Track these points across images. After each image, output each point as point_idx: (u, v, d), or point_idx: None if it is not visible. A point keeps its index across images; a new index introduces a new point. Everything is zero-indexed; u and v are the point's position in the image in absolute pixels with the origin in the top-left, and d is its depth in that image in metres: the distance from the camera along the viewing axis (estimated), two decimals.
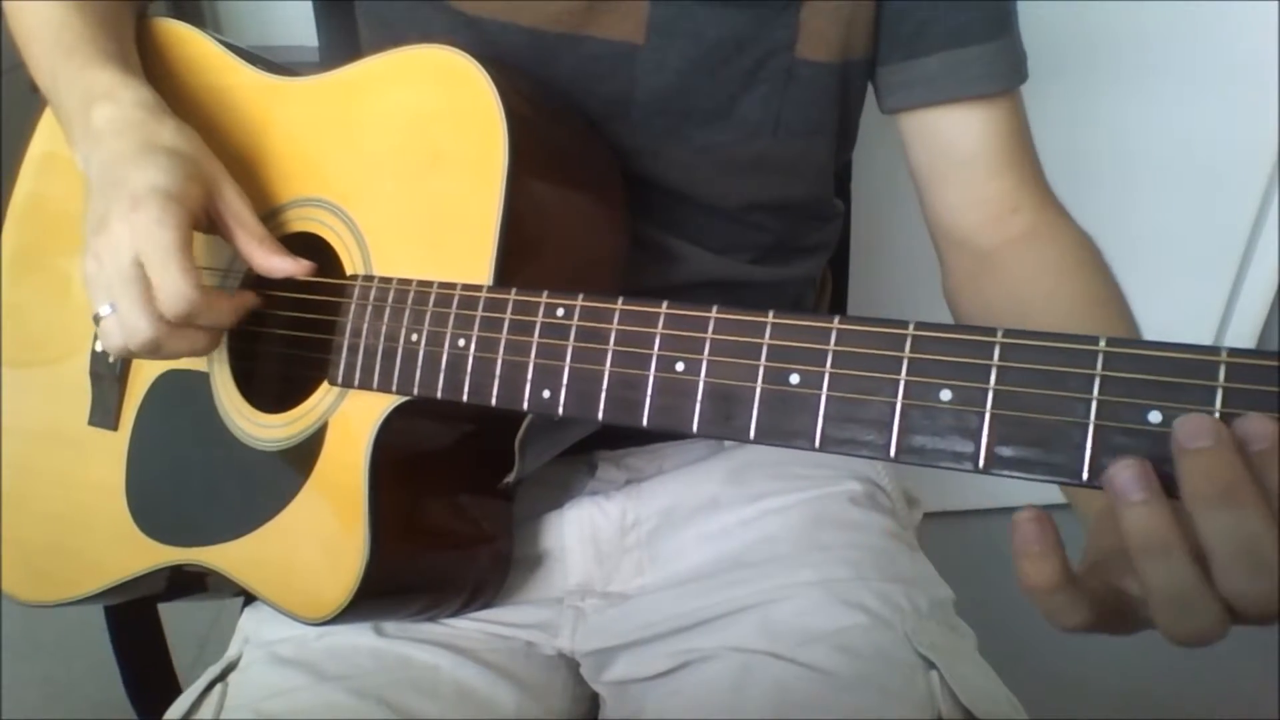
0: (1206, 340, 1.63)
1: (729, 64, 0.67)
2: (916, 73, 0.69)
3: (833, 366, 0.43)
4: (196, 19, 0.78)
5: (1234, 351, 0.36)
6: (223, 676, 0.70)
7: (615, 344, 0.49)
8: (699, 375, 0.46)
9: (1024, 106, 0.72)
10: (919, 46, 0.68)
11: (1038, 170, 0.73)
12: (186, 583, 0.73)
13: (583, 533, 0.74)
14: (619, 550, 0.74)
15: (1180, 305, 1.66)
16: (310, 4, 0.86)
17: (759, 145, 0.70)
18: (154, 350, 0.61)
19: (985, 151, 0.70)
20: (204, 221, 0.63)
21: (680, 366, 0.47)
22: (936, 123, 0.70)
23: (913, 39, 0.68)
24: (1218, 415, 0.35)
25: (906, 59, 0.68)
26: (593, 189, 0.66)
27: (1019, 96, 0.72)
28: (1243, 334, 1.70)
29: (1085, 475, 0.38)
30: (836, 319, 0.43)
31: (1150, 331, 0.38)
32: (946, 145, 0.71)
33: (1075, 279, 0.67)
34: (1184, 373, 0.36)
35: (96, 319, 0.61)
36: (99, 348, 0.73)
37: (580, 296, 0.51)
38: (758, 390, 0.45)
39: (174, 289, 0.58)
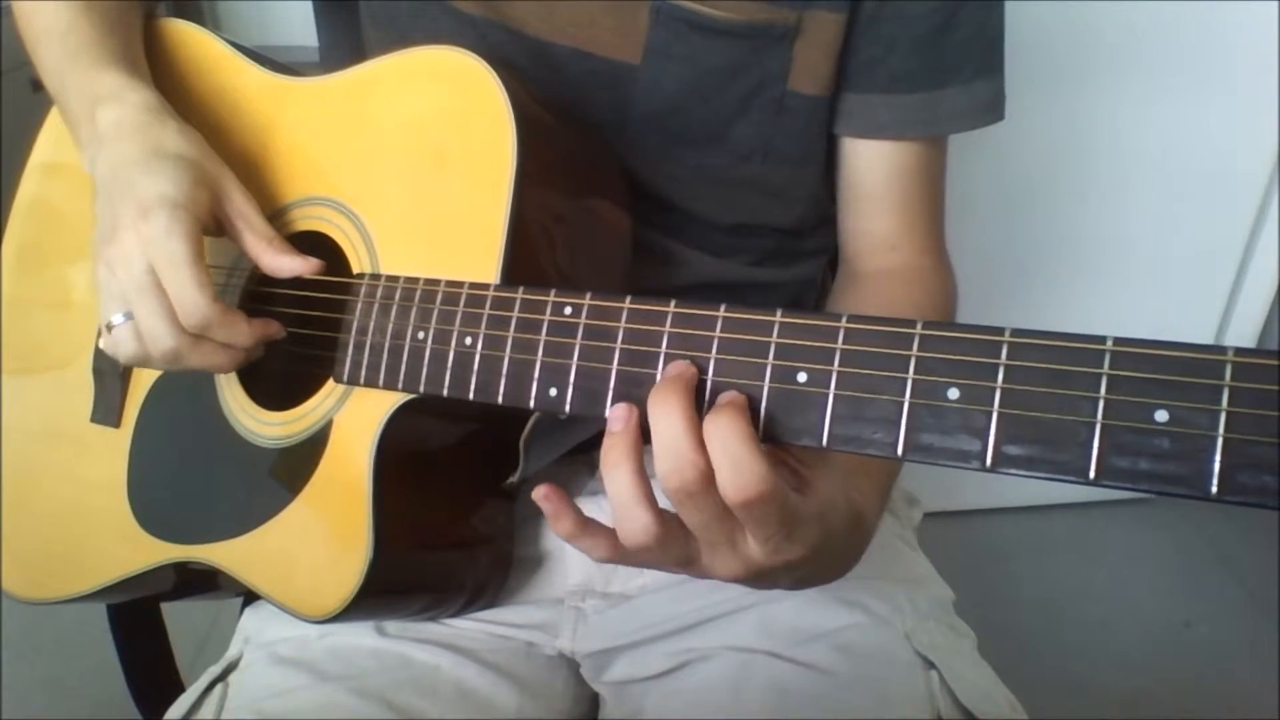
0: (1206, 341, 1.63)
1: (722, 91, 0.68)
2: (855, 105, 0.71)
3: (840, 365, 0.43)
4: (196, 19, 0.78)
5: (1240, 351, 0.36)
6: (223, 676, 0.70)
7: (623, 342, 0.49)
8: (707, 374, 0.46)
9: (944, 153, 0.76)
10: (863, 83, 0.70)
11: (931, 216, 0.76)
12: (188, 581, 0.73)
13: None
14: None
15: (1180, 305, 1.66)
16: (310, 4, 0.86)
17: (749, 170, 0.71)
18: (175, 359, 0.60)
19: (884, 191, 0.73)
20: (212, 225, 0.63)
21: None
22: (854, 151, 0.73)
23: (859, 74, 0.69)
24: (1223, 414, 0.36)
25: (850, 91, 0.70)
26: (598, 190, 0.66)
27: (942, 143, 0.75)
28: (1243, 334, 1.70)
29: (1092, 474, 0.37)
30: (844, 318, 0.43)
31: (1150, 332, 0.38)
32: (856, 175, 0.74)
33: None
34: (1190, 372, 0.36)
35: (109, 327, 0.61)
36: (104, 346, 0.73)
37: (588, 295, 0.51)
38: (765, 389, 0.45)
39: (190, 300, 0.58)
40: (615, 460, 0.46)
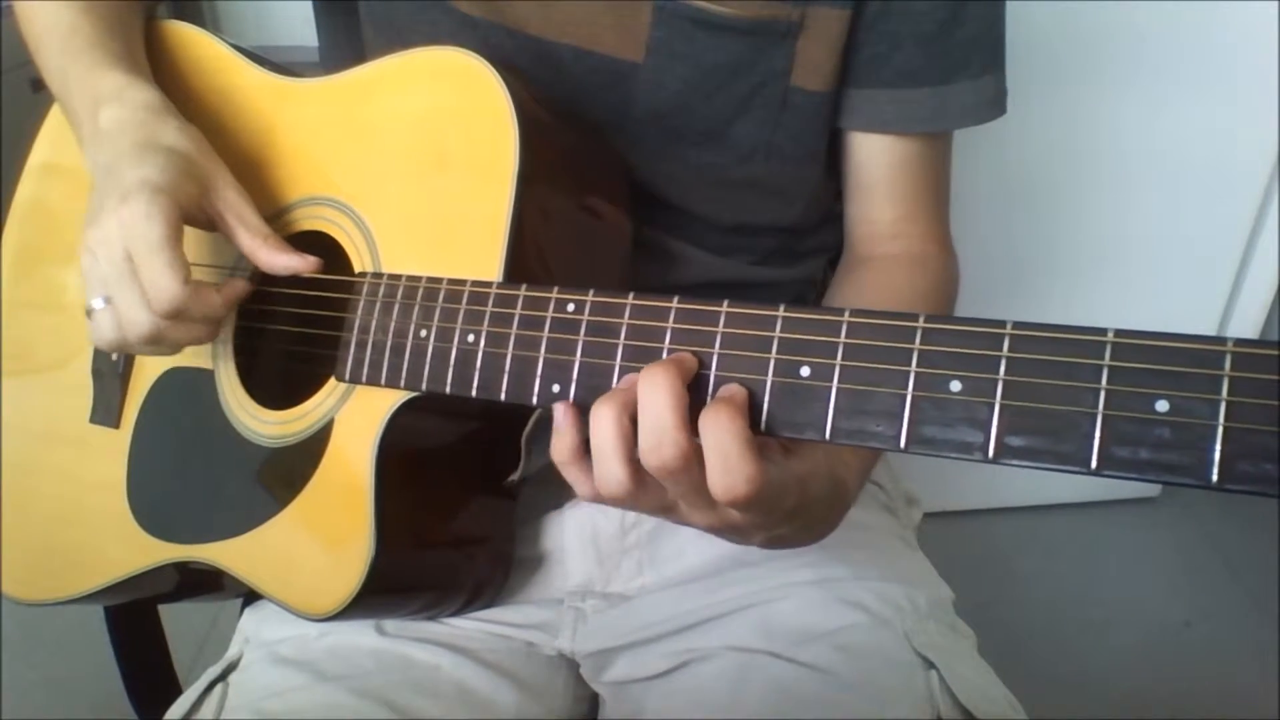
0: None
1: (725, 89, 0.68)
2: (860, 101, 0.71)
3: (843, 359, 0.43)
4: (196, 19, 0.78)
5: (1240, 342, 0.36)
6: (223, 676, 0.70)
7: (626, 338, 0.49)
8: (710, 369, 0.46)
9: (949, 142, 0.76)
10: (869, 78, 0.70)
11: (934, 205, 0.76)
12: (188, 581, 0.73)
13: (583, 533, 0.74)
14: (619, 550, 0.74)
15: (1180, 305, 1.66)
16: (310, 4, 0.86)
17: (752, 168, 0.71)
18: (154, 341, 0.60)
19: (886, 182, 0.74)
20: (202, 219, 0.63)
21: None
22: (856, 144, 0.74)
23: (864, 70, 0.70)
24: (1223, 404, 0.36)
25: (855, 86, 0.70)
26: (599, 189, 0.66)
27: (947, 137, 0.75)
28: (1242, 333, 1.70)
29: (1094, 464, 0.38)
30: (847, 312, 0.43)
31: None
32: (859, 167, 0.74)
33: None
34: (1191, 362, 0.37)
35: (89, 312, 0.61)
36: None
37: (591, 292, 0.51)
38: (768, 383, 0.45)
39: (161, 284, 0.58)
40: (599, 404, 0.47)
